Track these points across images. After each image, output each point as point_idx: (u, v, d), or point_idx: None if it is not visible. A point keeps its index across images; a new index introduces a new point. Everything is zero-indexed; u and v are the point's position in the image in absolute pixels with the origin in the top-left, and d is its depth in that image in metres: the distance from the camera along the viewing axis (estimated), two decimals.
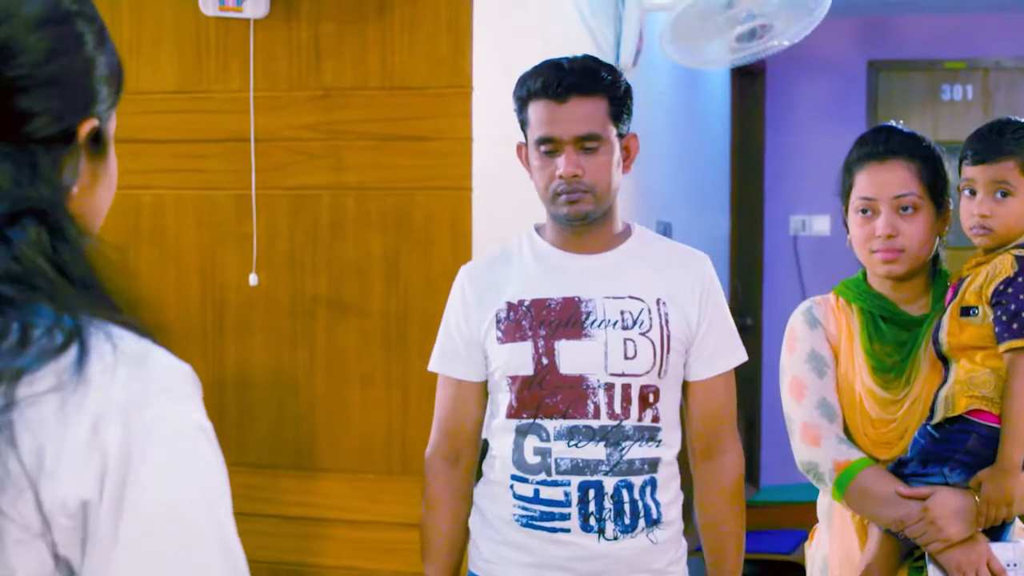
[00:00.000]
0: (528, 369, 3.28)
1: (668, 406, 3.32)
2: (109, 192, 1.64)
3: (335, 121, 4.26)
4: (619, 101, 3.28)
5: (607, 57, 5.41)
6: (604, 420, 3.25)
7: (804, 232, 9.27)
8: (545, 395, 3.27)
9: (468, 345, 3.39)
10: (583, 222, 3.30)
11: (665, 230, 6.57)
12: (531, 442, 3.30)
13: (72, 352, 1.40)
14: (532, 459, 3.30)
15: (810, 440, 3.33)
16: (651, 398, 3.28)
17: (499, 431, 3.37)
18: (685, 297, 3.33)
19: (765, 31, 5.57)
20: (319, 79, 4.28)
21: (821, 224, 9.23)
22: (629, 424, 3.26)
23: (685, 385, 3.39)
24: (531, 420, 3.29)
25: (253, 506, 4.34)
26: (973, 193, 3.25)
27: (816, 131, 9.35)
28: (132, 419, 1.40)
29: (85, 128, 1.55)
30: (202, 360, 4.38)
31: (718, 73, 8.22)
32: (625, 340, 3.26)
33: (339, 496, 4.29)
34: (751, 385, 8.72)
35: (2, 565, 1.34)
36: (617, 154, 3.29)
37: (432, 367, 3.46)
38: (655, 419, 3.29)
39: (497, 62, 4.29)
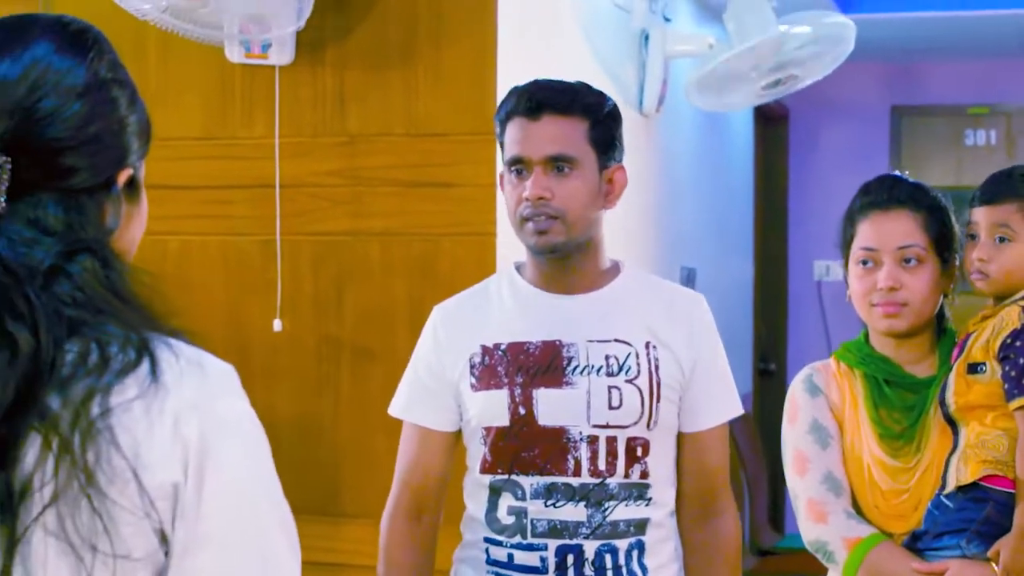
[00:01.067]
0: (503, 419, 3.00)
1: (660, 461, 3.04)
2: (141, 228, 1.94)
3: (360, 167, 4.28)
4: (601, 125, 3.03)
5: (631, 103, 5.43)
6: (585, 477, 2.96)
7: (828, 277, 9.25)
8: (521, 448, 2.99)
9: (438, 390, 3.11)
10: (553, 255, 3.02)
11: (689, 275, 6.57)
12: (506, 500, 3.01)
13: (145, 363, 1.69)
14: (506, 519, 3.01)
15: (816, 517, 3.13)
16: (639, 452, 2.99)
17: (473, 488, 3.10)
18: (677, 341, 3.05)
19: (791, 80, 5.59)
20: (344, 125, 4.30)
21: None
22: (614, 482, 2.97)
23: (679, 438, 3.11)
24: (506, 476, 3.00)
25: None
26: (974, 237, 3.13)
27: (840, 176, 9.32)
28: (204, 415, 1.70)
29: (122, 177, 1.83)
30: None
31: (742, 118, 8.23)
32: (610, 388, 2.98)
33: (364, 542, 4.29)
34: (774, 430, 8.69)
35: (120, 547, 1.62)
36: (595, 183, 3.02)
37: (394, 412, 3.24)
38: (644, 475, 3.00)
39: None
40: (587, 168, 3.01)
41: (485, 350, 3.05)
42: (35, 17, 1.90)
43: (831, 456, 3.17)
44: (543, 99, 3.00)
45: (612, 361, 3.01)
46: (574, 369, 2.99)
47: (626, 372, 3.00)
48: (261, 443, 1.82)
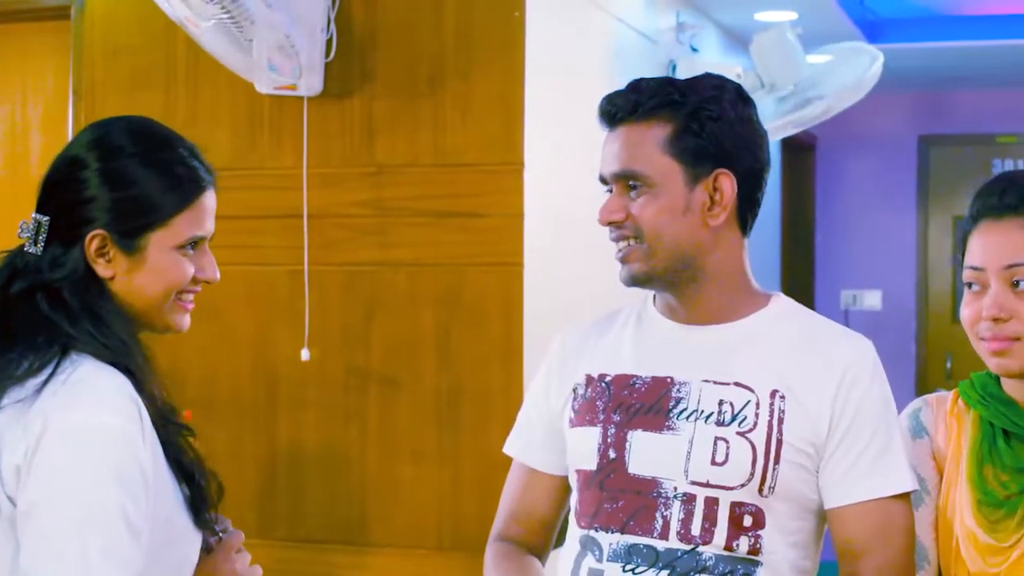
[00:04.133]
0: (591, 462, 2.53)
1: (780, 537, 2.45)
2: (151, 279, 2.32)
3: (387, 198, 4.29)
4: (691, 128, 2.49)
5: None
6: (673, 542, 2.44)
7: (855, 306, 9.24)
8: (605, 499, 2.50)
9: (547, 426, 2.68)
10: (645, 287, 2.57)
11: None
12: (587, 561, 2.52)
13: (44, 374, 2.14)
14: None
15: None
16: (747, 521, 2.43)
17: (569, 541, 2.61)
18: (817, 393, 2.46)
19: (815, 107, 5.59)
20: (372, 156, 4.31)
21: (872, 299, 9.20)
22: (709, 552, 2.42)
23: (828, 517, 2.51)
24: (587, 531, 2.53)
25: None
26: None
27: (867, 206, 9.36)
28: (49, 420, 2.11)
29: (90, 238, 2.23)
30: (254, 435, 4.40)
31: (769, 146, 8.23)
32: (716, 439, 2.45)
33: (391, 571, 4.29)
34: None
35: None
36: (681, 199, 2.49)
37: (506, 448, 2.80)
38: (754, 551, 2.43)
39: (549, 139, 4.31)
40: (666, 184, 2.49)
41: (589, 380, 2.61)
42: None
43: (921, 517, 2.55)
44: (618, 103, 2.55)
45: (726, 408, 2.48)
46: (680, 412, 2.49)
47: (739, 423, 2.46)
48: (95, 452, 2.10)
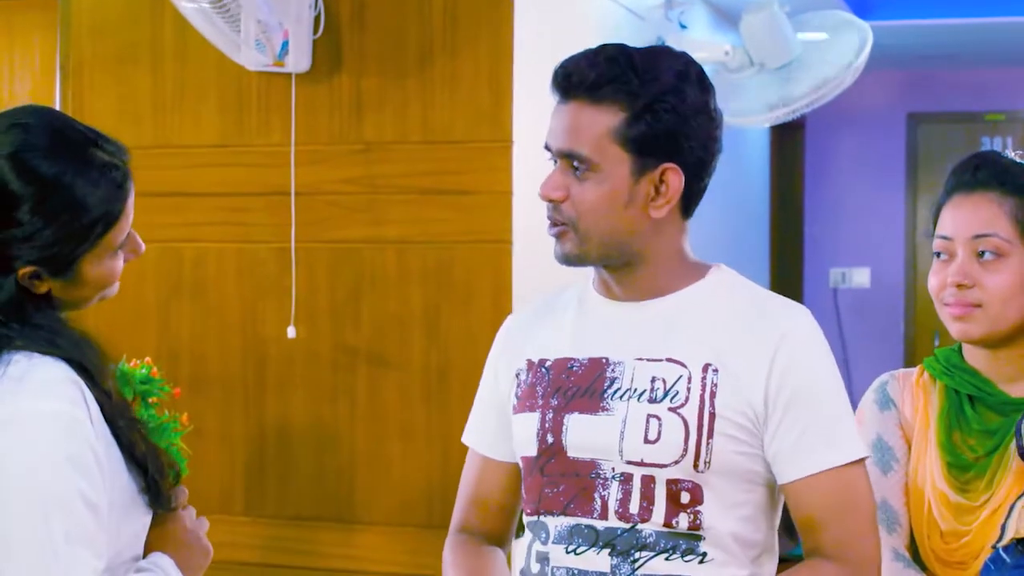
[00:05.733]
0: (532, 448, 2.49)
1: (723, 513, 2.41)
2: (88, 289, 2.29)
3: (376, 175, 4.28)
4: (645, 118, 2.39)
5: None
6: (612, 521, 2.41)
7: (844, 284, 9.24)
8: (547, 484, 2.48)
9: (498, 413, 2.63)
10: (573, 265, 2.53)
11: None
12: (535, 546, 2.51)
13: None
14: (534, 567, 2.50)
15: None
16: (684, 498, 2.39)
17: (525, 528, 2.59)
18: (750, 365, 2.40)
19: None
20: (360, 133, 4.30)
21: (861, 277, 9.21)
22: (648, 528, 2.39)
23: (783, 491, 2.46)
24: (534, 517, 2.50)
25: (294, 559, 4.34)
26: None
27: (856, 183, 9.36)
28: None
29: (22, 273, 2.20)
30: (243, 412, 4.40)
31: (757, 126, 8.23)
32: (648, 417, 2.40)
33: (379, 549, 4.29)
34: None
35: None
36: (623, 189, 2.41)
37: (463, 437, 2.77)
38: (694, 527, 2.39)
39: (537, 116, 4.29)
40: (611, 172, 2.41)
41: (530, 366, 2.56)
42: None
43: (891, 482, 2.65)
44: (572, 78, 2.46)
45: (658, 384, 2.42)
46: (615, 392, 2.44)
47: (671, 399, 2.40)
48: (45, 437, 2.10)
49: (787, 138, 9.18)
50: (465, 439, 2.74)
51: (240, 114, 4.42)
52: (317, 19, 4.26)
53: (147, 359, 3.77)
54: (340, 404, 4.33)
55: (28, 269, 2.20)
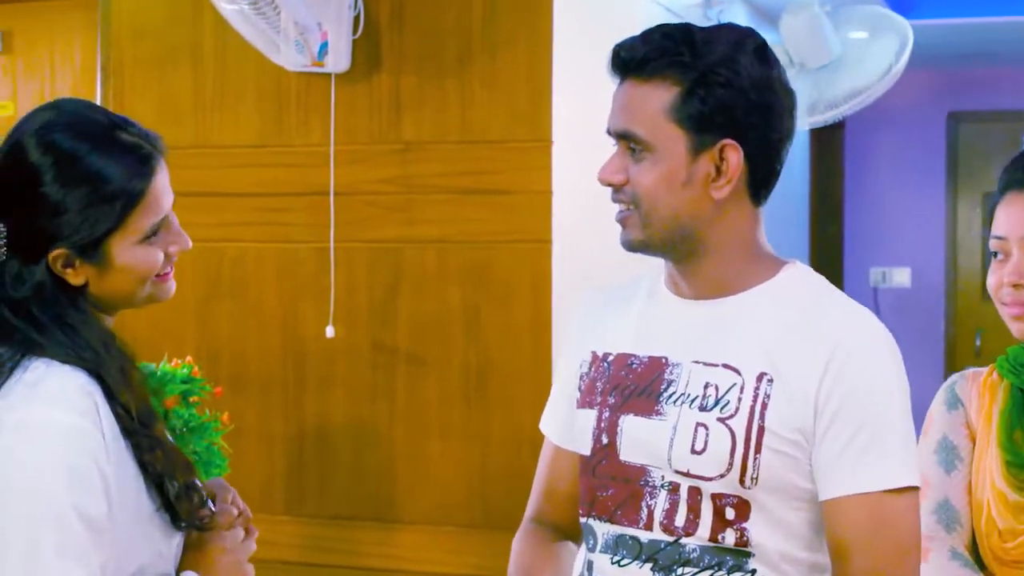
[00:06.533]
0: (587, 447, 2.40)
1: (772, 530, 2.27)
2: (123, 277, 2.26)
3: (415, 175, 4.28)
4: (699, 93, 2.27)
5: None
6: (657, 533, 2.30)
7: (885, 284, 9.21)
8: (598, 487, 2.38)
9: (567, 400, 2.52)
10: (642, 253, 2.40)
11: None
12: (583, 551, 2.44)
13: (2, 378, 2.15)
14: (583, 573, 2.42)
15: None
16: (730, 513, 2.26)
17: None
18: (804, 373, 2.24)
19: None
20: (399, 133, 4.31)
21: (902, 276, 9.17)
22: (692, 543, 2.27)
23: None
24: (585, 519, 2.41)
25: (333, 557, 4.35)
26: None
27: (896, 183, 9.32)
28: (5, 414, 2.11)
29: (53, 258, 2.20)
30: (282, 412, 4.41)
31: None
32: (697, 425, 2.27)
33: (419, 548, 4.29)
34: None
35: None
36: (681, 168, 2.29)
37: (541, 423, 2.65)
38: (741, 543, 2.26)
39: (576, 115, 4.30)
40: (667, 151, 2.29)
41: (594, 358, 2.47)
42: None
43: (954, 482, 2.61)
44: (625, 56, 2.34)
45: (711, 391, 2.29)
46: (670, 396, 2.32)
47: (721, 408, 2.27)
48: (47, 448, 2.10)
49: (827, 137, 9.15)
50: (541, 425, 2.64)
51: (280, 114, 4.43)
52: (356, 19, 4.26)
53: (188, 359, 3.80)
54: (379, 403, 4.33)
55: (58, 252, 2.20)
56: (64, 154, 2.20)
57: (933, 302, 9.02)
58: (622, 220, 2.35)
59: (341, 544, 4.36)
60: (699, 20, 5.44)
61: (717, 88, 2.26)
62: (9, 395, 2.14)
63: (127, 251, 2.24)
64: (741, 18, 6.27)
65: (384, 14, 4.28)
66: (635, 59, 2.32)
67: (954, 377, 2.70)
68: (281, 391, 4.42)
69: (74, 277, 2.23)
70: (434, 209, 4.26)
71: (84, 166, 2.20)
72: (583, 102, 4.39)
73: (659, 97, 2.28)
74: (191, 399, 3.73)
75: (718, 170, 2.29)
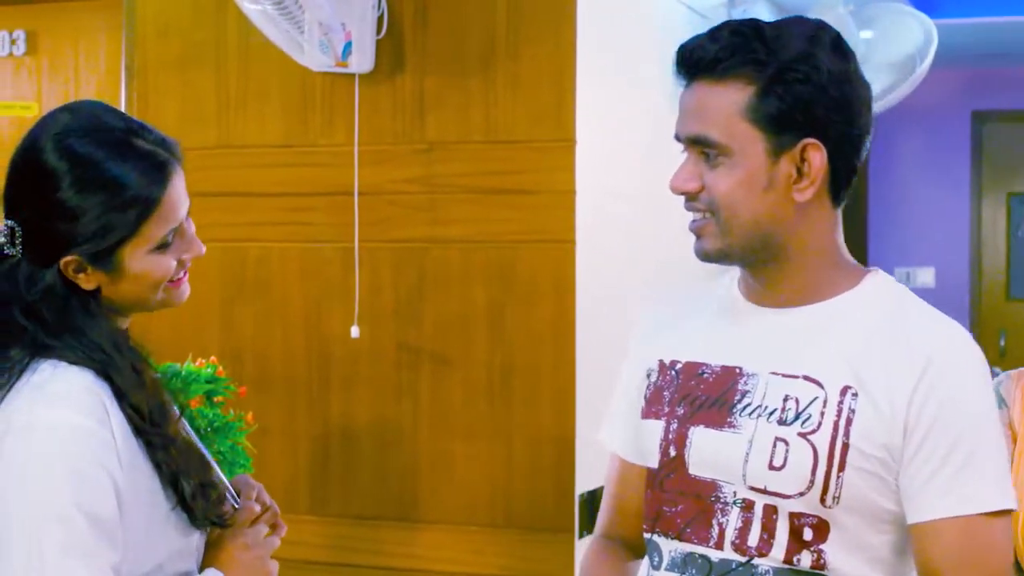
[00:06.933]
0: (654, 459, 2.30)
1: (850, 553, 2.17)
2: (135, 284, 2.26)
3: (439, 175, 4.28)
4: (776, 90, 2.16)
5: None
6: (728, 552, 2.20)
7: (909, 284, 9.11)
8: (665, 501, 2.28)
9: (629, 410, 2.42)
10: (720, 263, 2.29)
11: None
12: (648, 568, 2.34)
13: (13, 380, 2.16)
14: None
15: None
16: (808, 534, 2.15)
17: None
18: (893, 389, 2.13)
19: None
20: (423, 133, 4.31)
21: (926, 276, 9.15)
22: (765, 564, 2.16)
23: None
24: (650, 535, 2.32)
25: (357, 557, 4.35)
26: None
27: (920, 182, 9.30)
28: (11, 417, 2.12)
29: (65, 263, 2.21)
30: (307, 412, 4.41)
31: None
32: (776, 440, 2.16)
33: (442, 548, 4.29)
34: None
35: None
36: (761, 171, 2.18)
37: (599, 434, 2.56)
38: (818, 566, 2.15)
39: (600, 115, 4.30)
40: (745, 154, 2.18)
41: (661, 366, 2.36)
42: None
43: None
44: (694, 56, 2.22)
45: (790, 404, 2.18)
46: (745, 408, 2.21)
47: (803, 422, 2.16)
48: (54, 448, 2.10)
49: None
50: (603, 438, 2.53)
51: (304, 114, 4.43)
52: (380, 19, 4.26)
53: (212, 358, 3.80)
54: (403, 403, 4.33)
55: (70, 259, 2.21)
56: (80, 160, 2.20)
57: (957, 302, 9.00)
58: (697, 229, 2.24)
59: (365, 543, 4.36)
60: (723, 19, 5.43)
61: (796, 85, 2.16)
62: (17, 397, 2.15)
63: (140, 259, 2.25)
64: (764, 17, 6.26)
65: (408, 14, 4.28)
66: (705, 59, 2.19)
67: (1000, 377, 2.65)
68: (305, 391, 4.42)
69: (86, 282, 2.24)
70: (458, 209, 4.26)
71: (100, 172, 2.20)
72: (607, 102, 4.39)
73: (733, 97, 2.17)
74: (215, 399, 3.74)
75: (799, 171, 2.19)
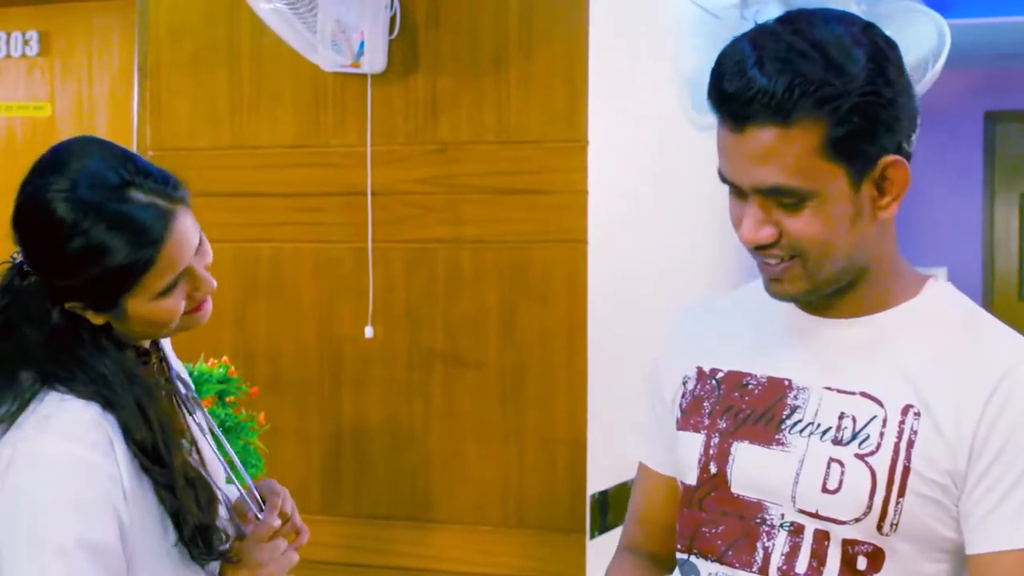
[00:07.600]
0: (691, 476, 2.17)
1: None
2: (142, 325, 2.29)
3: (451, 175, 4.28)
4: (851, 119, 1.94)
5: None
6: None
7: None
8: (704, 521, 2.14)
9: (661, 419, 2.30)
10: (794, 302, 2.13)
11: None
12: None
13: (17, 409, 2.16)
14: None
15: None
16: (862, 563, 2.01)
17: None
18: (959, 409, 1.98)
19: None
20: (435, 133, 4.31)
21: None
22: None
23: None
24: (686, 555, 2.18)
25: (369, 557, 4.35)
26: None
27: (932, 183, 9.29)
28: (17, 446, 2.13)
29: (70, 305, 2.24)
30: (319, 412, 4.41)
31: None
32: (831, 461, 2.02)
33: (454, 547, 4.29)
34: None
35: None
36: (847, 203, 2.00)
37: (627, 439, 2.52)
38: None
39: (613, 115, 4.30)
40: (830, 191, 1.99)
41: (700, 375, 2.23)
42: None
43: None
44: (748, 100, 1.96)
45: (846, 423, 2.03)
46: (795, 424, 2.07)
47: (860, 443, 2.01)
48: (56, 480, 2.12)
49: None
50: (632, 449, 2.43)
51: (316, 115, 4.43)
52: (393, 19, 4.26)
53: (224, 359, 3.81)
54: (416, 403, 4.33)
55: (74, 304, 2.25)
56: (64, 227, 2.18)
57: None
58: (780, 274, 2.06)
59: (377, 544, 4.36)
60: (735, 21, 5.43)
61: (877, 110, 1.98)
62: (23, 426, 2.17)
63: (143, 305, 2.27)
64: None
65: (420, 14, 4.28)
66: (765, 102, 1.95)
67: None
68: (317, 391, 4.42)
69: (94, 319, 2.27)
70: (471, 209, 4.26)
71: (90, 239, 2.19)
72: (619, 102, 4.39)
73: (808, 138, 1.95)
74: (227, 399, 3.74)
75: (879, 189, 2.04)
